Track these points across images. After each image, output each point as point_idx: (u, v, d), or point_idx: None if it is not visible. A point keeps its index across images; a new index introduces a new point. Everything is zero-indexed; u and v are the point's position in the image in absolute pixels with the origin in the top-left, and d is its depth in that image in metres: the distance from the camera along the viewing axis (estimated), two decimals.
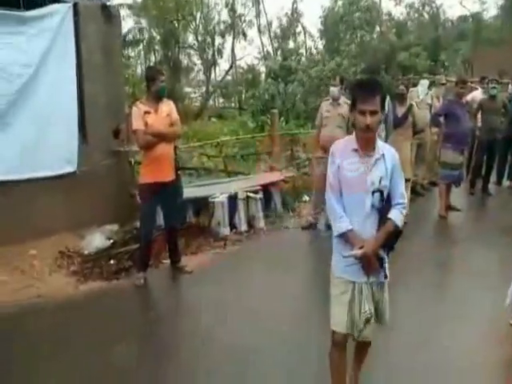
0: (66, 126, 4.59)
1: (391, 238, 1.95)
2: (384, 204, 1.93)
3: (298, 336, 2.86)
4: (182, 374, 2.52)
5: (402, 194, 1.97)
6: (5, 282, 3.61)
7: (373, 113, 1.84)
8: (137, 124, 3.58)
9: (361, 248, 1.89)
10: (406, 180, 5.46)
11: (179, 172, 3.99)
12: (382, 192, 1.90)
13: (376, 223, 1.93)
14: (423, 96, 6.34)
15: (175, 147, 3.95)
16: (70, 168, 4.59)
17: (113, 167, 4.95)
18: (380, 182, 1.89)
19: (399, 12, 29.72)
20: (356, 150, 1.92)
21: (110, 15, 5.04)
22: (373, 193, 1.89)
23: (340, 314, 1.95)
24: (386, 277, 1.98)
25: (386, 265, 1.98)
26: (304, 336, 2.85)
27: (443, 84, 7.01)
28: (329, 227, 5.28)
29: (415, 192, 6.41)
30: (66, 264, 3.99)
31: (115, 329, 2.99)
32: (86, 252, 4.17)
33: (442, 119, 5.60)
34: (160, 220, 4.21)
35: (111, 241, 4.39)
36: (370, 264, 1.91)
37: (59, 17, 4.50)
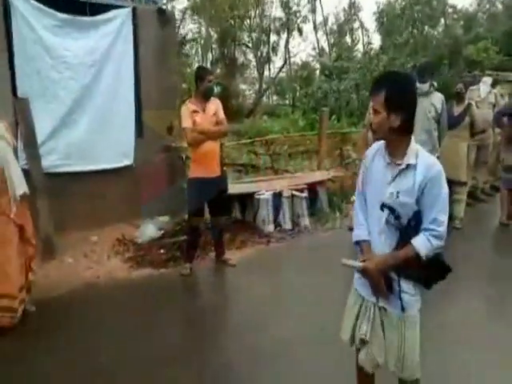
0: (124, 122, 4.90)
1: (411, 266, 1.64)
2: (408, 224, 1.63)
3: (332, 338, 2.86)
4: (222, 361, 2.64)
5: (436, 219, 1.59)
6: (70, 263, 4.01)
7: (375, 112, 1.61)
8: (185, 122, 3.75)
9: (364, 261, 1.72)
10: (462, 183, 5.19)
11: (225, 168, 4.11)
12: (392, 209, 1.62)
13: (392, 243, 1.67)
14: (485, 95, 5.95)
15: (221, 144, 4.08)
16: (127, 161, 4.92)
17: (166, 162, 5.23)
18: (397, 196, 1.61)
19: (468, 3, 27.73)
20: (383, 155, 1.69)
21: (165, 18, 5.30)
22: (383, 207, 1.64)
23: (346, 324, 1.88)
24: (403, 309, 1.67)
25: (406, 296, 1.67)
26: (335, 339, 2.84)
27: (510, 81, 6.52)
28: None
29: (474, 197, 6.05)
30: (122, 251, 4.30)
31: (161, 313, 3.20)
32: (139, 241, 4.46)
33: (505, 119, 5.21)
34: (207, 214, 4.38)
35: (162, 231, 4.64)
36: (373, 282, 1.71)
37: (120, 21, 4.82)
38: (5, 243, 2.76)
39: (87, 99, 4.62)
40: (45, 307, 3.16)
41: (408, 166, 1.61)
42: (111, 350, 2.70)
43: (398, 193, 1.62)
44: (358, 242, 1.80)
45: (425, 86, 4.27)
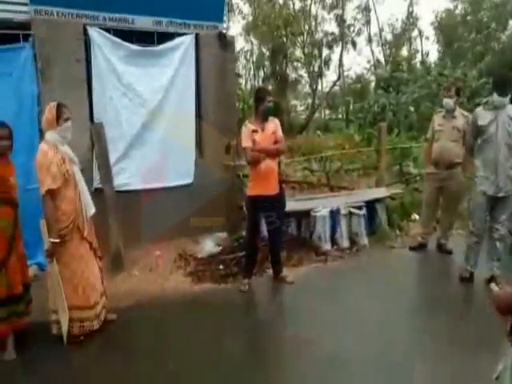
0: (186, 143, 5.16)
1: None
2: None
3: (399, 357, 2.79)
4: (278, 376, 2.68)
5: None
6: (136, 276, 4.27)
7: None
8: (246, 142, 3.88)
9: None
10: None
11: (283, 186, 4.17)
12: None
13: None
14: None
15: (279, 162, 4.16)
16: (188, 180, 5.17)
17: (224, 180, 5.41)
18: None
19: None
20: None
21: (225, 42, 5.55)
22: None
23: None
24: None
25: None
26: (405, 358, 2.77)
27: None
28: (440, 248, 4.96)
29: None
30: (184, 265, 4.49)
31: (220, 326, 3.31)
32: (199, 256, 4.63)
33: None
34: (264, 231, 4.45)
35: (221, 247, 4.78)
36: None
37: (184, 47, 5.11)
38: (80, 260, 3.02)
39: (154, 123, 4.95)
40: (118, 317, 3.40)
41: None
42: (175, 360, 2.83)
43: None
44: None
45: (506, 100, 3.89)
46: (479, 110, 3.99)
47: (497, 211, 3.90)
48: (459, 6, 17.86)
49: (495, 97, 3.84)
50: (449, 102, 4.67)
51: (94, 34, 4.61)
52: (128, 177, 4.78)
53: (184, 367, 2.74)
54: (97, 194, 4.42)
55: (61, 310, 2.98)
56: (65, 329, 2.98)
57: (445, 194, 4.78)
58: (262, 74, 26.11)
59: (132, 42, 4.84)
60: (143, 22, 4.97)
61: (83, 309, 3.02)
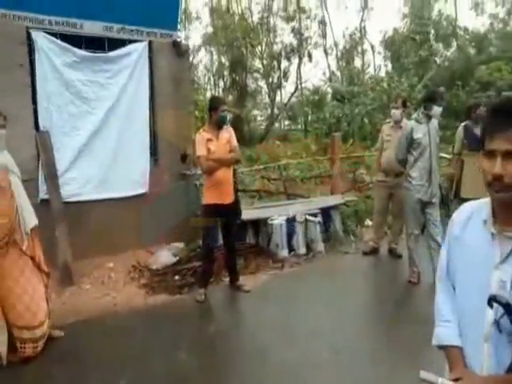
0: (140, 151, 5.03)
1: None
2: None
3: (350, 358, 2.85)
4: None
5: None
6: (87, 290, 4.08)
7: (509, 154, 1.05)
8: (200, 150, 3.85)
9: (456, 381, 1.12)
10: None
11: (238, 194, 4.17)
12: (508, 306, 1.05)
13: (504, 359, 1.08)
14: None
15: (234, 171, 4.16)
16: (142, 190, 5.02)
17: (180, 189, 5.32)
18: None
19: (480, 23, 27.87)
20: (485, 222, 1.16)
21: (180, 50, 5.52)
22: (491, 301, 1.08)
23: None
24: None
25: None
26: (356, 359, 2.84)
27: None
28: (391, 252, 5.15)
29: None
30: (138, 277, 4.35)
31: (175, 338, 3.21)
32: (154, 267, 4.50)
33: None
34: (221, 240, 4.41)
35: (177, 258, 4.67)
36: None
37: (137, 54, 5.01)
38: (20, 276, 2.83)
39: (104, 131, 4.79)
40: (65, 333, 3.21)
41: None
42: (128, 374, 2.71)
43: None
44: (442, 347, 1.25)
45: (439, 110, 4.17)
46: (412, 123, 4.18)
47: (432, 214, 4.16)
48: (405, 26, 19.11)
49: (436, 108, 4.09)
50: (396, 113, 4.89)
51: (39, 38, 4.42)
52: (77, 187, 4.57)
53: (133, 382, 2.63)
54: (43, 205, 4.20)
55: None
56: (3, 349, 2.77)
57: (394, 201, 4.98)
58: (221, 84, 26.22)
59: (80, 48, 4.68)
60: (93, 28, 4.82)
61: (25, 328, 2.83)
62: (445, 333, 1.25)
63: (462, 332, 1.21)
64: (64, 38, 4.58)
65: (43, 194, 4.30)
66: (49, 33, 4.47)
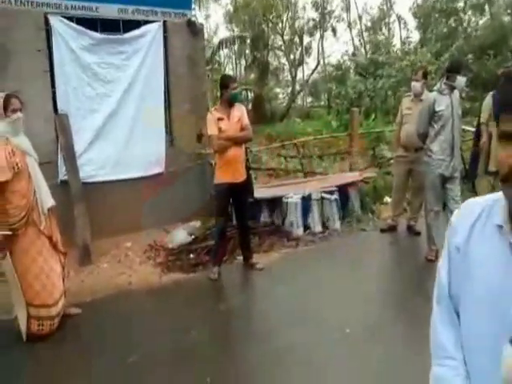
0: (156, 132, 5.09)
1: None
2: None
3: (363, 338, 2.84)
4: (247, 365, 2.69)
5: None
6: (105, 268, 4.23)
7: None
8: (211, 130, 3.85)
9: None
10: None
11: (250, 172, 4.17)
12: None
13: None
14: None
15: (246, 149, 4.15)
16: (158, 169, 5.11)
17: (196, 169, 5.38)
18: None
19: None
20: (501, 227, 0.87)
21: (194, 29, 5.46)
22: None
23: None
24: None
25: None
26: (369, 338, 2.83)
27: None
28: (409, 229, 5.05)
29: None
30: (154, 256, 4.46)
31: (188, 316, 3.29)
32: (170, 246, 4.61)
33: None
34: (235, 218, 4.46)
35: (192, 236, 4.76)
36: None
37: (151, 35, 5.02)
38: (38, 256, 2.95)
39: (120, 112, 4.86)
40: (82, 311, 3.36)
41: None
42: (140, 350, 2.82)
43: None
44: None
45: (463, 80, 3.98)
46: (435, 94, 4.00)
47: (453, 190, 4.01)
48: None
49: (459, 78, 3.91)
50: (416, 85, 4.69)
51: (56, 22, 4.48)
52: (95, 168, 4.70)
53: (145, 359, 2.72)
54: (63, 186, 4.36)
55: (17, 305, 2.93)
56: (23, 325, 2.92)
57: (414, 177, 4.85)
58: (243, 62, 25.88)
59: (96, 31, 4.73)
60: (108, 10, 4.85)
61: (41, 307, 2.95)
62: (448, 375, 0.93)
63: (472, 371, 0.90)
64: (80, 21, 4.63)
65: (62, 175, 4.45)
66: (65, 17, 4.53)
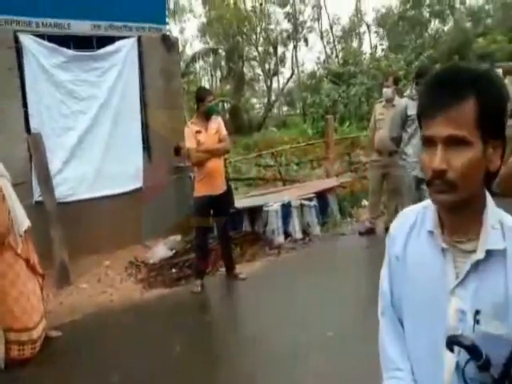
0: (133, 146, 5.06)
1: None
2: (504, 377, 0.77)
3: (346, 343, 2.88)
4: (234, 376, 2.68)
5: None
6: (84, 288, 4.15)
7: (450, 141, 0.77)
8: (189, 143, 3.87)
9: None
10: None
11: (230, 183, 4.21)
12: (473, 349, 0.76)
13: None
14: None
15: (225, 161, 4.19)
16: (137, 185, 5.07)
17: (175, 182, 5.37)
18: (476, 320, 0.81)
19: None
20: (432, 233, 0.88)
21: (169, 44, 5.50)
22: (451, 344, 0.79)
23: None
24: None
25: None
26: (352, 343, 2.86)
27: None
28: (387, 231, 5.13)
29: None
30: (135, 273, 4.41)
31: (170, 331, 3.27)
32: (151, 261, 4.57)
33: None
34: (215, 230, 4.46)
35: (173, 251, 4.74)
36: None
37: (126, 50, 5.01)
38: (17, 279, 2.88)
39: (96, 129, 4.82)
40: (62, 333, 3.28)
41: (489, 253, 0.80)
42: (124, 369, 2.78)
43: (476, 313, 0.80)
44: None
45: None
46: (406, 100, 4.16)
47: (427, 190, 4.15)
48: (399, 5, 18.85)
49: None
50: (387, 91, 4.86)
51: (27, 40, 4.44)
52: (71, 187, 4.63)
53: (128, 379, 2.68)
54: (38, 206, 4.27)
55: None
56: (1, 352, 2.84)
57: (389, 180, 4.99)
58: (218, 73, 26.05)
59: (69, 48, 4.70)
60: (80, 27, 4.83)
61: (23, 331, 2.88)
62: None
63: (417, 378, 0.91)
64: (52, 38, 4.60)
65: (37, 195, 4.37)
66: (36, 35, 4.49)
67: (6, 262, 2.84)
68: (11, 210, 2.88)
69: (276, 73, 25.18)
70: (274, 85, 25.84)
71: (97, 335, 3.29)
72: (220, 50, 23.54)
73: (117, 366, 2.82)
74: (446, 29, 20.15)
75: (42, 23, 4.60)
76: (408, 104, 4.09)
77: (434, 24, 20.12)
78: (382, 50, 19.69)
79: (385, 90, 4.92)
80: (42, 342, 3.04)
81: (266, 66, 24.81)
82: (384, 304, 0.99)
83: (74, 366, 2.91)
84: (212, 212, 4.06)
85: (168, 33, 5.93)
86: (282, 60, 25.66)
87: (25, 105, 4.49)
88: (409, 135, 4.10)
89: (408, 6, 18.90)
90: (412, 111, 4.06)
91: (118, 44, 4.99)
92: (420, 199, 4.29)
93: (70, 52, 4.68)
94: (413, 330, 0.91)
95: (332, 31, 25.50)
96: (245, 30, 22.97)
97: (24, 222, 3.00)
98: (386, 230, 5.37)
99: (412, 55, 13.86)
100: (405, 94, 4.42)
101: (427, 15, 19.35)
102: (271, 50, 24.76)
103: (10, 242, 2.84)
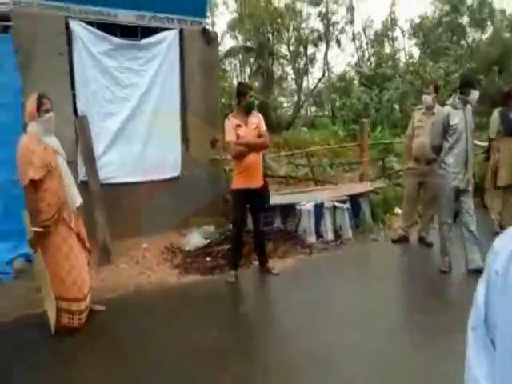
0: (172, 135, 5.18)
1: None
2: None
3: (376, 345, 2.87)
4: (260, 368, 2.70)
5: None
6: (124, 268, 4.29)
7: None
8: (229, 136, 3.91)
9: None
10: None
11: (267, 179, 4.23)
12: None
13: None
14: None
15: (263, 156, 4.21)
16: (174, 173, 5.17)
17: (210, 174, 5.44)
18: None
19: None
20: None
21: (209, 37, 5.57)
22: None
23: None
24: None
25: None
26: (382, 346, 2.86)
27: None
28: (420, 241, 5.08)
29: None
30: (170, 258, 4.52)
31: (206, 317, 3.33)
32: (186, 248, 4.65)
33: None
34: (250, 223, 4.50)
35: (208, 240, 4.81)
36: None
37: (168, 41, 5.12)
38: (70, 252, 3.02)
39: (139, 116, 4.94)
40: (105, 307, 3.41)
41: None
42: (160, 349, 2.86)
43: None
44: None
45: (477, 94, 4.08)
46: (449, 108, 4.07)
47: (466, 202, 4.07)
48: (436, 10, 18.43)
49: (474, 92, 4.00)
50: (427, 98, 4.76)
51: (77, 27, 4.58)
52: (113, 170, 4.77)
53: (169, 356, 2.76)
54: (82, 186, 4.39)
55: (47, 300, 2.97)
56: (52, 319, 2.97)
57: (425, 189, 4.90)
58: (247, 70, 26.09)
59: (116, 36, 4.82)
60: (126, 16, 4.95)
61: (72, 301, 3.01)
62: None
63: None
64: (100, 26, 4.72)
65: (82, 176, 4.51)
66: (86, 22, 4.62)
67: (61, 235, 2.96)
68: (66, 186, 2.99)
69: (306, 72, 25.05)
70: (303, 85, 25.73)
71: (138, 312, 3.40)
72: (251, 48, 23.60)
73: (157, 345, 2.89)
74: (483, 37, 19.64)
75: (92, 11, 4.73)
76: (450, 113, 4.01)
77: (472, 33, 19.63)
78: (419, 56, 19.30)
79: (425, 96, 4.81)
80: (88, 314, 3.17)
81: (296, 66, 24.70)
82: (475, 320, 0.91)
83: (117, 339, 3.02)
84: (248, 206, 4.09)
85: (207, 26, 5.98)
86: (312, 60, 25.51)
87: (73, 88, 4.62)
88: (450, 144, 4.03)
89: (445, 11, 18.46)
90: (455, 120, 3.98)
91: (160, 35, 5.09)
92: (458, 210, 4.23)
93: (117, 40, 4.81)
94: (507, 355, 0.78)
95: (365, 34, 25.24)
96: (276, 28, 22.91)
97: (77, 198, 3.11)
98: (420, 239, 5.30)
99: (453, 66, 13.49)
100: (447, 103, 4.33)
101: (465, 23, 18.88)
102: (301, 49, 24.64)
103: (64, 217, 2.96)
